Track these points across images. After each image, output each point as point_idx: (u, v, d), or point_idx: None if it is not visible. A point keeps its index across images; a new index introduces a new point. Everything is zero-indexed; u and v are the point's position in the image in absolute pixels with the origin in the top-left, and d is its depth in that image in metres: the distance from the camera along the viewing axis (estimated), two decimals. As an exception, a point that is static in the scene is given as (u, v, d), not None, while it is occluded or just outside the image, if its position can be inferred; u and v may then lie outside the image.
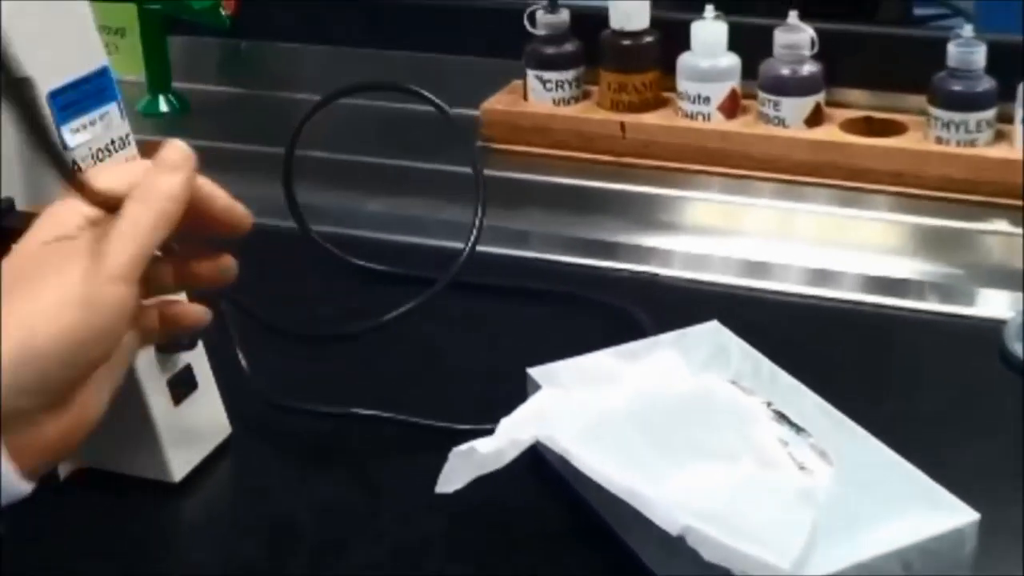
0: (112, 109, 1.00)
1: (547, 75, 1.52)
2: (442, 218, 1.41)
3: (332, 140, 1.56)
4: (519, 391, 1.03)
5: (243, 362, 1.11)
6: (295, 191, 1.23)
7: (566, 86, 1.52)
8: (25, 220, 0.86)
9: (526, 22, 1.53)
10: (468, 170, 1.48)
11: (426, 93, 1.17)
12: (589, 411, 0.92)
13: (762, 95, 1.44)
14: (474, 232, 1.14)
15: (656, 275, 1.31)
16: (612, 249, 1.36)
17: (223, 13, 1.62)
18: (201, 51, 1.83)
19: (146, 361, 1.00)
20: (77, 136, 0.96)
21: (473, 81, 1.62)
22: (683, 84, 1.47)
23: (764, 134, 1.43)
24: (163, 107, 1.70)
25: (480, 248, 1.33)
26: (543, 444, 0.90)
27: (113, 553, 0.97)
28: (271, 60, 1.87)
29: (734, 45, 1.46)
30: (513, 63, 1.58)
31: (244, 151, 1.60)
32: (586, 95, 1.54)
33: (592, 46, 1.51)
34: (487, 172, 1.46)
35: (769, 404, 0.95)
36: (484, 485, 0.89)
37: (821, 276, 1.28)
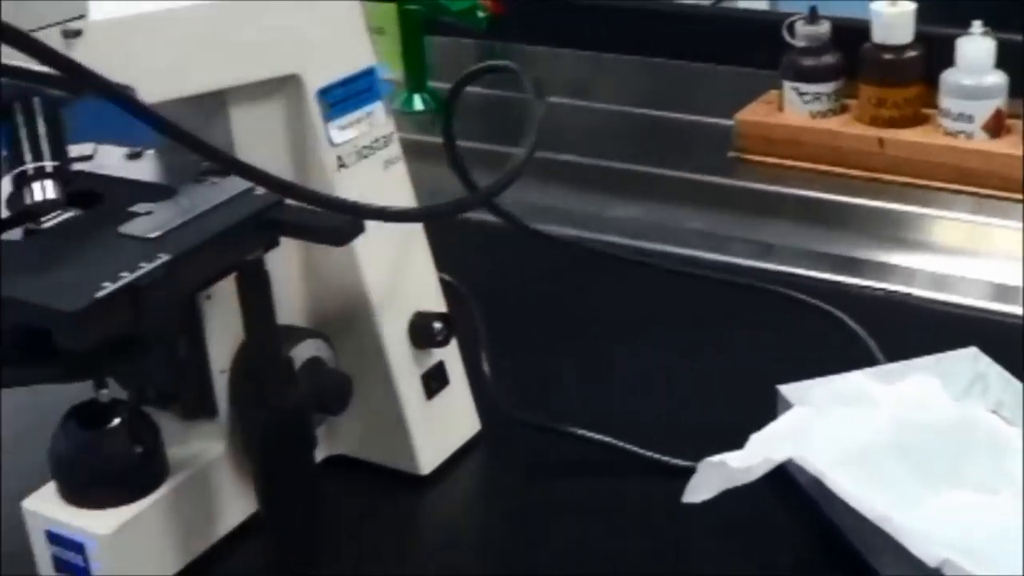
0: (377, 108, 1.02)
1: (804, 87, 1.49)
2: (690, 227, 1.41)
3: (583, 144, 1.57)
4: (768, 408, 1.02)
5: (486, 366, 1.12)
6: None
7: (823, 99, 1.49)
8: (295, 213, 0.89)
9: (785, 32, 1.51)
10: (716, 179, 1.49)
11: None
12: (845, 433, 0.90)
13: (1030, 115, 1.40)
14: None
15: (908, 295, 1.28)
16: (861, 266, 1.33)
17: (480, 15, 1.63)
18: (458, 51, 1.85)
19: (401, 355, 1.02)
20: (343, 133, 0.99)
21: (727, 90, 1.61)
22: (946, 101, 1.43)
23: (1029, 155, 1.39)
24: (418, 105, 1.73)
25: (723, 258, 1.34)
26: (796, 464, 0.89)
27: (360, 536, 0.99)
28: (525, 63, 1.88)
29: (1001, 62, 1.42)
30: (768, 73, 1.57)
31: (495, 152, 1.61)
32: (843, 108, 1.51)
33: (852, 59, 1.49)
34: (738, 183, 1.48)
35: (1033, 435, 0.92)
36: (729, 501, 0.89)
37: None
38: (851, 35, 1.48)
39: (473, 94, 1.71)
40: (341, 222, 0.89)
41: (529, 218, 1.41)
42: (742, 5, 3.58)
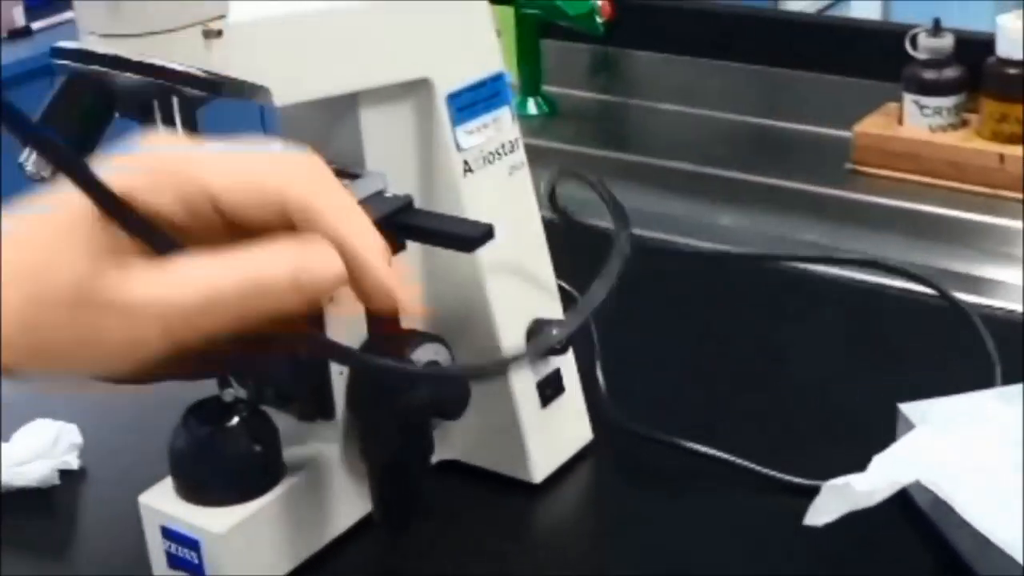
0: (504, 113, 1.02)
1: (925, 100, 1.48)
2: (806, 238, 1.39)
3: (694, 152, 1.56)
4: (887, 427, 1.00)
5: (600, 379, 1.11)
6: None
7: (944, 113, 1.47)
8: (424, 217, 0.89)
9: (907, 45, 1.49)
10: (833, 191, 1.47)
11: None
12: (971, 455, 0.88)
13: None
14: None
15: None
16: (978, 283, 1.31)
17: (598, 20, 1.63)
18: (573, 56, 1.84)
19: (518, 362, 1.02)
20: (471, 138, 0.98)
21: (844, 101, 1.60)
22: (1069, 118, 1.41)
23: None
24: (532, 109, 1.73)
25: (840, 272, 1.32)
26: (917, 485, 0.87)
27: (470, 540, 0.99)
28: (639, 69, 1.87)
29: None
30: (886, 85, 1.55)
31: (607, 157, 1.61)
32: (964, 123, 1.49)
33: (975, 73, 1.46)
34: (854, 195, 1.46)
35: None
36: (849, 524, 0.87)
37: None
38: (975, 48, 1.46)
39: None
40: (470, 228, 0.89)
41: (639, 225, 1.41)
42: (855, 8, 3.57)
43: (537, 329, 1.02)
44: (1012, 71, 1.43)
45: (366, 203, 0.89)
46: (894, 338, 1.23)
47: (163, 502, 0.94)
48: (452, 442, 1.04)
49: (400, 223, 0.89)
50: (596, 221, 1.10)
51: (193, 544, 0.92)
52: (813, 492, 0.92)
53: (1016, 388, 1.01)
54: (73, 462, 1.09)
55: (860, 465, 0.97)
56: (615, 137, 1.68)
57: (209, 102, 0.84)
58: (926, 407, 0.99)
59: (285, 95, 0.86)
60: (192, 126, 0.83)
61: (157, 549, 0.95)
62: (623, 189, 1.50)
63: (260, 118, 1.52)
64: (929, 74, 1.48)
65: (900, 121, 1.51)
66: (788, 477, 1.01)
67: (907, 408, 1.00)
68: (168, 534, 0.94)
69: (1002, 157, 1.43)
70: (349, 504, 0.99)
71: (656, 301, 1.29)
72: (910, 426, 0.97)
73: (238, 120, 0.86)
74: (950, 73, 1.48)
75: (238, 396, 0.95)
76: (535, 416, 1.03)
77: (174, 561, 0.94)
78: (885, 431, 1.00)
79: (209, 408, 0.94)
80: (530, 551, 0.99)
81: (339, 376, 0.96)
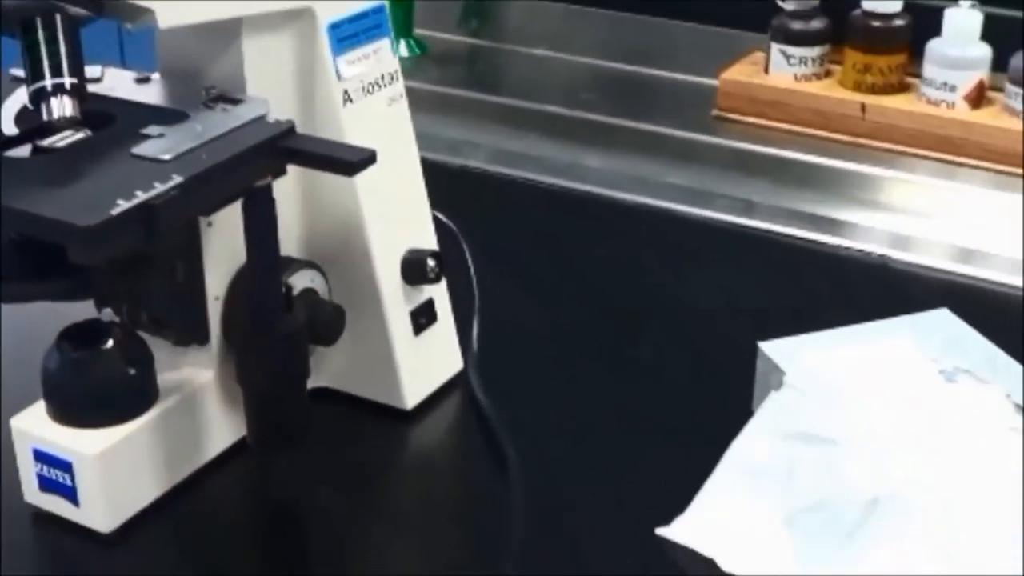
0: (384, 44, 1.03)
1: (792, 50, 1.51)
2: (672, 181, 1.43)
3: (562, 96, 1.58)
4: (748, 365, 1.04)
5: (476, 297, 1.13)
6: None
7: (809, 62, 1.51)
8: (306, 142, 0.89)
9: (776, -5, 1.52)
10: (699, 136, 1.50)
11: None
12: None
13: (1010, 88, 1.42)
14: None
15: (884, 257, 1.30)
16: (837, 226, 1.36)
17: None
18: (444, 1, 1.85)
19: (392, 291, 1.03)
20: (351, 68, 0.99)
21: (706, 50, 1.63)
22: (929, 70, 1.45)
23: (1008, 127, 1.41)
24: (403, 51, 1.73)
25: (707, 213, 1.36)
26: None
27: (343, 467, 1.01)
28: (509, 13, 1.88)
29: (986, 35, 1.44)
30: (753, 35, 1.58)
31: (477, 99, 1.62)
32: (827, 73, 1.53)
33: (840, 24, 1.50)
34: (719, 140, 1.49)
35: (1009, 396, 0.94)
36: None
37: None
38: (840, 1, 1.50)
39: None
40: (351, 153, 0.90)
41: (508, 164, 1.44)
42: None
43: (412, 258, 1.04)
44: (876, 24, 1.47)
45: (248, 128, 0.90)
46: (757, 278, 1.27)
47: (35, 425, 0.94)
48: (325, 369, 1.05)
49: (282, 147, 0.89)
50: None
51: (65, 466, 0.92)
52: (678, 432, 0.95)
53: (867, 326, 1.05)
54: (-57, 386, 1.08)
55: (721, 402, 1.01)
56: (485, 80, 1.69)
57: (92, 22, 0.84)
58: (785, 346, 1.02)
59: (168, 18, 0.86)
60: (75, 45, 0.83)
61: (29, 472, 0.95)
62: (493, 132, 1.53)
63: (119, 43, 1.49)
64: (796, 24, 1.52)
65: (766, 70, 1.54)
66: (650, 416, 1.04)
67: (768, 347, 1.03)
68: (40, 456, 0.94)
69: (864, 106, 1.47)
70: (223, 429, 1.00)
71: (524, 239, 1.31)
72: (770, 364, 1.00)
73: (96, 43, 0.87)
74: (816, 24, 1.52)
75: (113, 320, 0.95)
76: (408, 344, 1.04)
77: (45, 484, 0.94)
78: (746, 369, 1.04)
79: (83, 331, 0.94)
80: (401, 477, 1.01)
81: (215, 301, 0.97)
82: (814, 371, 0.95)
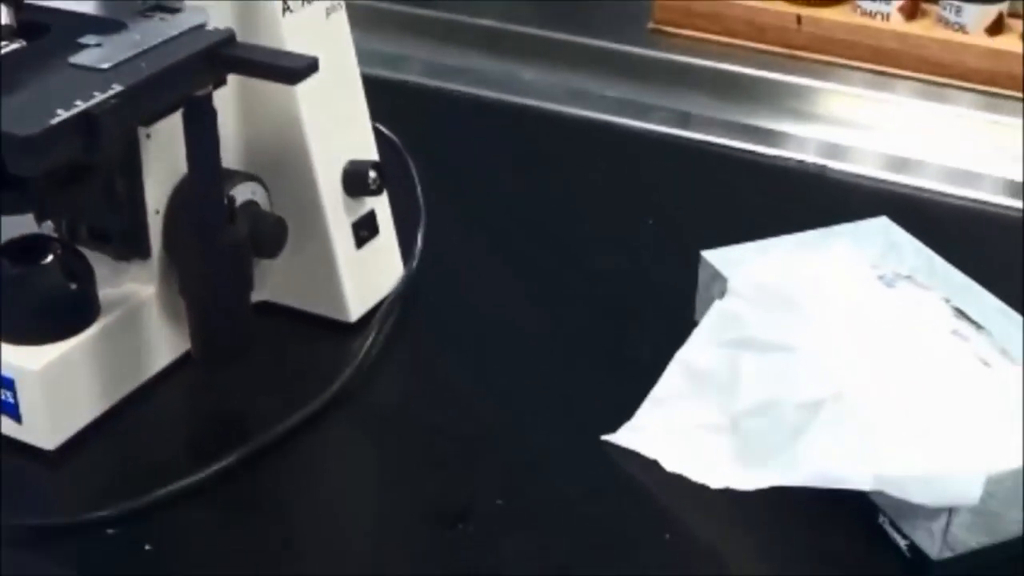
0: (322, -47, 1.02)
1: (727, -39, 1.51)
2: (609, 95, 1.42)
3: (499, 10, 1.57)
4: (692, 275, 1.04)
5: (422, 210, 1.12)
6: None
7: (745, -26, 1.51)
8: (247, 50, 0.89)
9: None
10: (635, 49, 1.50)
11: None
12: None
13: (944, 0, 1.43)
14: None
15: (821, 166, 1.31)
16: (775, 138, 1.36)
17: None
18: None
19: (333, 203, 1.02)
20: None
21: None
22: (864, -19, 1.45)
23: (942, 38, 1.42)
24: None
25: (644, 125, 1.36)
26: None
27: (287, 379, 1.01)
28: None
29: (920, -56, 1.44)
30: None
31: (410, 13, 1.60)
32: (762, -16, 1.53)
33: (774, -65, 1.50)
34: (656, 53, 1.49)
35: (947, 300, 0.96)
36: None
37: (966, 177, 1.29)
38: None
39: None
40: (294, 61, 0.89)
41: (444, 79, 1.43)
42: None
43: (353, 169, 1.03)
44: (811, -66, 1.47)
45: (187, 36, 0.89)
46: (696, 190, 1.28)
47: (-25, 341, 0.93)
48: (267, 283, 1.05)
49: (223, 55, 0.88)
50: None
51: (8, 383, 0.92)
52: (622, 343, 0.96)
53: (808, 235, 1.06)
54: None
55: (664, 311, 1.02)
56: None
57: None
58: (727, 253, 1.03)
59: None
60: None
61: (-31, 389, 0.94)
62: (427, 45, 1.52)
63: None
64: (731, -66, 1.51)
65: (701, -18, 1.54)
66: (593, 328, 1.05)
67: (710, 255, 1.04)
68: (-19, 374, 0.93)
69: (799, 18, 1.47)
70: (165, 344, 0.99)
71: (463, 153, 1.31)
72: (711, 271, 1.01)
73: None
74: (751, -66, 1.51)
75: (52, 235, 0.94)
76: (350, 257, 1.04)
77: (-12, 401, 0.93)
78: (687, 277, 1.04)
79: (23, 246, 0.93)
80: (343, 389, 1.01)
81: (155, 215, 0.96)
82: (757, 278, 0.95)
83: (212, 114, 0.88)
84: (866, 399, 0.84)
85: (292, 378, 1.01)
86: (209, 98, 0.87)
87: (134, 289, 0.98)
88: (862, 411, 0.83)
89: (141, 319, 0.98)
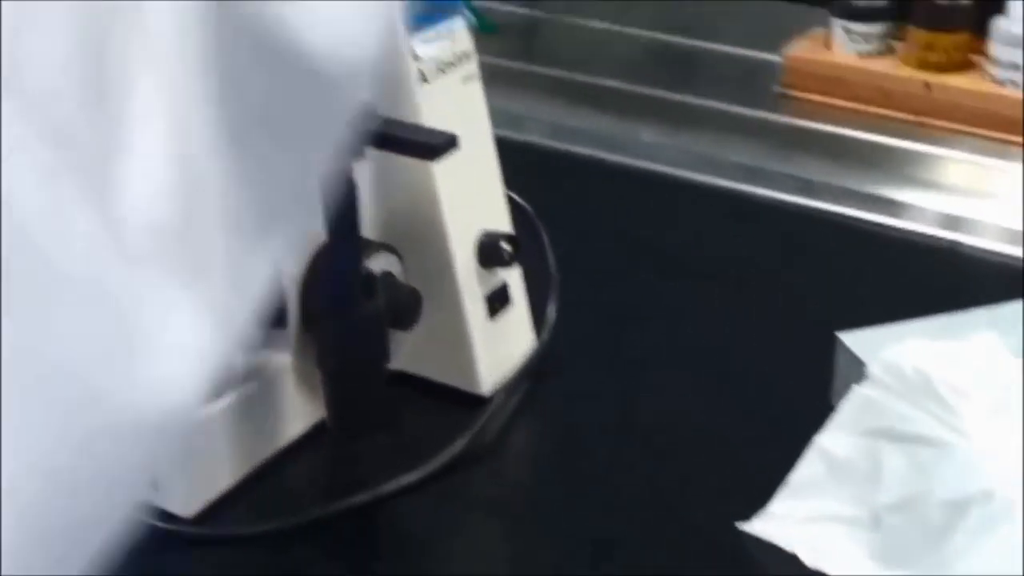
0: (459, 24, 1.02)
1: (854, 26, 1.49)
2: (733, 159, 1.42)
3: (621, 70, 1.57)
4: (826, 356, 1.03)
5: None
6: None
7: (872, 39, 1.49)
8: (386, 125, 0.89)
9: (837, -29, 1.50)
10: (759, 113, 1.49)
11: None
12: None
13: (1078, 68, 1.41)
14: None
15: (956, 243, 1.29)
16: (904, 209, 1.34)
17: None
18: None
19: (467, 274, 1.02)
20: (427, 47, 0.98)
21: (771, 26, 1.61)
22: (995, 49, 1.43)
23: (1076, 109, 1.40)
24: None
25: (763, 191, 1.35)
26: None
27: (422, 452, 1.00)
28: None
29: (1054, 13, 1.42)
30: (814, 11, 1.57)
31: (534, 72, 1.61)
32: (890, 50, 1.51)
33: (903, 1, 1.48)
34: (783, 119, 1.48)
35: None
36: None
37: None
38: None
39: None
40: (432, 137, 0.89)
41: (568, 140, 1.43)
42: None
43: (487, 241, 1.03)
44: (940, 1, 1.46)
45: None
46: (822, 262, 1.26)
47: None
48: (399, 353, 1.05)
49: (363, 131, 0.88)
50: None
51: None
52: (756, 424, 0.95)
53: (947, 320, 1.03)
54: None
55: (800, 393, 1.00)
56: (543, 53, 1.68)
57: None
58: (866, 336, 1.01)
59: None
60: None
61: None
62: (550, 105, 1.52)
63: None
64: (859, 1, 1.50)
65: (828, 46, 1.53)
66: (728, 406, 1.04)
67: (847, 336, 1.02)
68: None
69: (928, 85, 1.46)
70: (300, 413, 1.00)
71: (594, 218, 1.31)
72: (848, 355, 0.99)
73: None
74: (879, 1, 1.50)
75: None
76: (483, 328, 1.04)
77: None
78: (823, 357, 1.03)
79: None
80: (477, 462, 1.00)
81: (292, 284, 0.96)
82: (897, 366, 0.93)
83: (352, 186, 0.88)
84: (1017, 499, 0.82)
85: (425, 451, 1.00)
86: (351, 171, 0.88)
87: (270, 357, 0.98)
88: (1014, 511, 0.81)
89: (276, 388, 0.98)
